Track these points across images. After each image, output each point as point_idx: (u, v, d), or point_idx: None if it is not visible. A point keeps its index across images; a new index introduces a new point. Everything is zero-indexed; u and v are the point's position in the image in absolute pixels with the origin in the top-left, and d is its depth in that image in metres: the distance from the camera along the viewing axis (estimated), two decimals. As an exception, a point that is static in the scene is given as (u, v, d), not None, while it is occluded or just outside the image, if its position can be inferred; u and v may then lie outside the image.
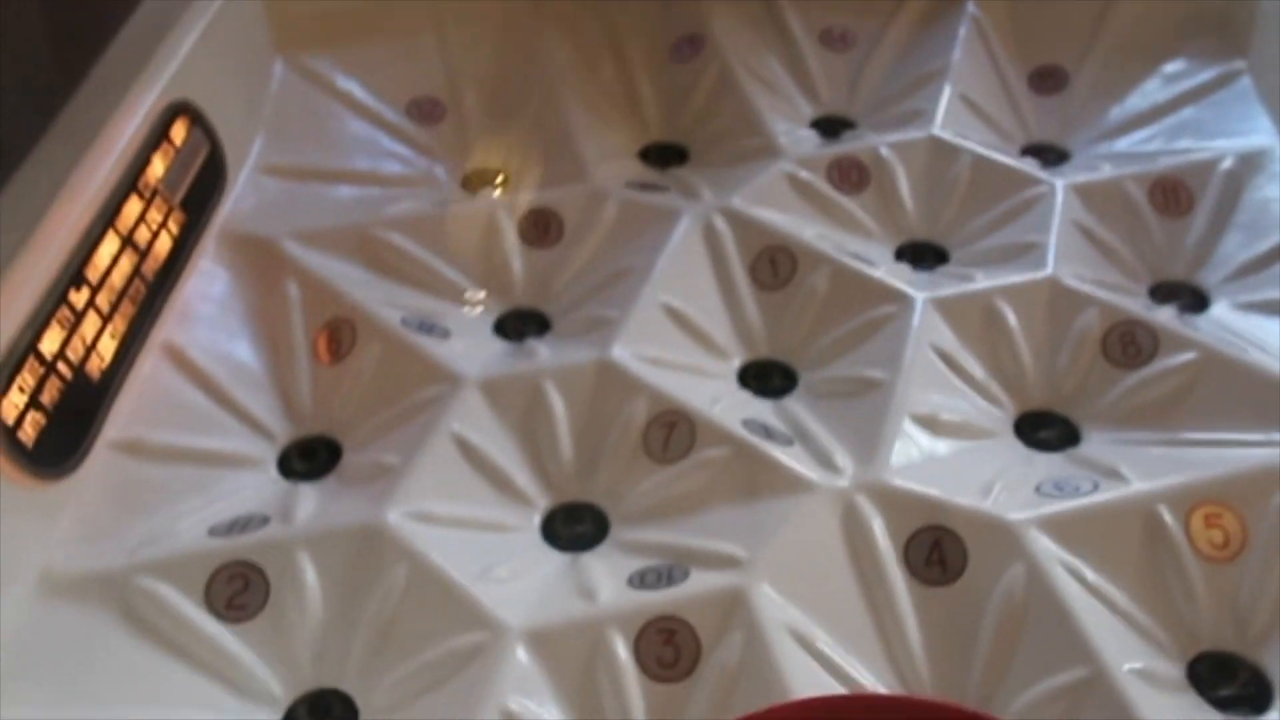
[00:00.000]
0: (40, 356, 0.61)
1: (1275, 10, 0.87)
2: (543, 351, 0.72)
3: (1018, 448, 0.68)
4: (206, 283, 0.75)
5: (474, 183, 0.87)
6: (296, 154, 0.87)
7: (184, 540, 0.62)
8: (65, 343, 0.63)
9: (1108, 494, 0.61)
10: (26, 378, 0.60)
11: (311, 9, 0.93)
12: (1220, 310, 0.75)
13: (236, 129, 0.83)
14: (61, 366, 0.62)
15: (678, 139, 0.93)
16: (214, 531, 0.62)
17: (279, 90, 0.90)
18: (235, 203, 0.81)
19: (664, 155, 0.91)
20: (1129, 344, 0.70)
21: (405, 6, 0.96)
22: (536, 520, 0.66)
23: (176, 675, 0.57)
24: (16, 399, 0.59)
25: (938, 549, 0.60)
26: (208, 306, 0.74)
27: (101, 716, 0.54)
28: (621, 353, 0.70)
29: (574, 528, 0.65)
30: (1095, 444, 0.68)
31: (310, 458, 0.70)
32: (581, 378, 0.69)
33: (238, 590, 0.60)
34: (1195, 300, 0.77)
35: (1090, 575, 0.58)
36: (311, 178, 0.86)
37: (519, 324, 0.78)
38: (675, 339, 0.74)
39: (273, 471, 0.69)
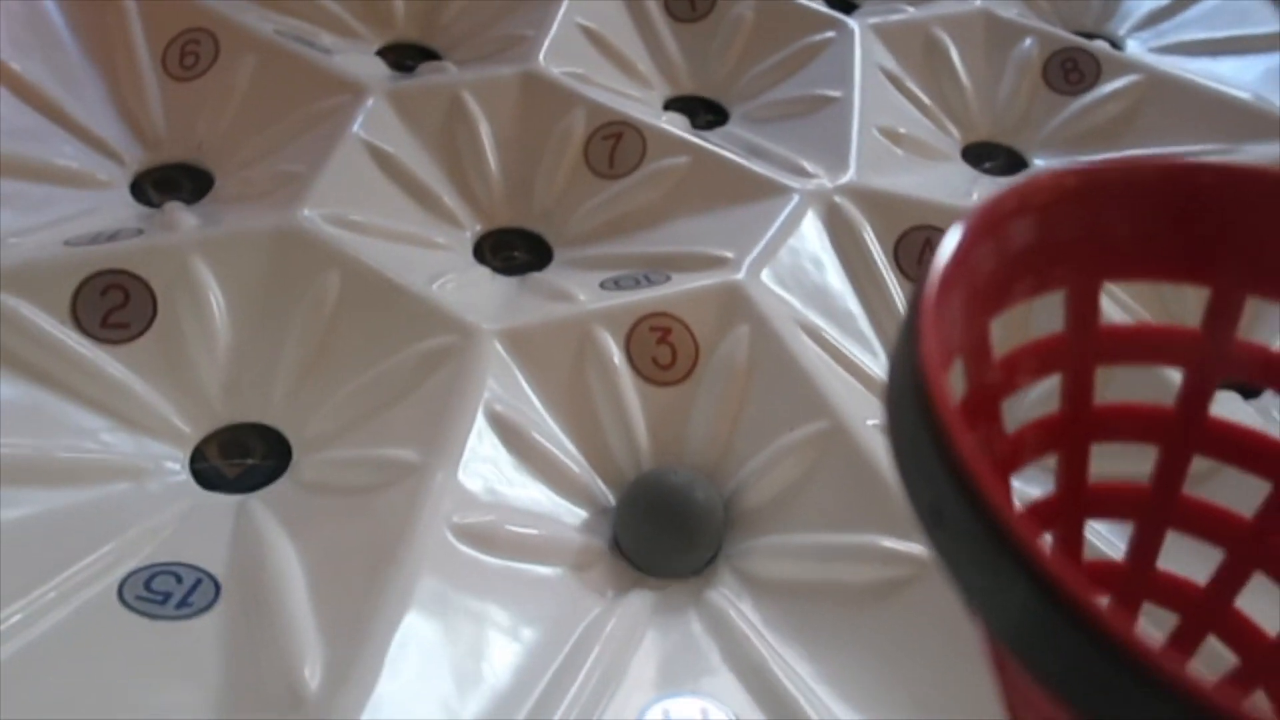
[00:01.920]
0: None
1: None
2: (452, 68, 0.62)
3: (974, 173, 0.65)
4: (12, -15, 0.60)
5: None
6: None
7: (32, 250, 0.48)
8: None
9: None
10: None
11: None
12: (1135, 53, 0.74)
13: None
14: None
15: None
16: (72, 243, 0.49)
17: None
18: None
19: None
20: (1071, 70, 0.67)
21: None
22: (469, 239, 0.56)
23: (48, 406, 0.45)
24: None
25: (929, 249, 0.55)
26: (17, 7, 0.59)
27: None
28: (547, 66, 0.61)
29: (507, 254, 0.57)
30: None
31: (170, 189, 0.57)
32: (504, 90, 0.60)
33: (115, 305, 0.47)
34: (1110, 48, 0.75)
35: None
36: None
37: (399, 56, 0.67)
38: (598, 61, 0.65)
39: (127, 197, 0.56)
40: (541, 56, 0.61)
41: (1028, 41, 0.69)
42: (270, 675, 0.36)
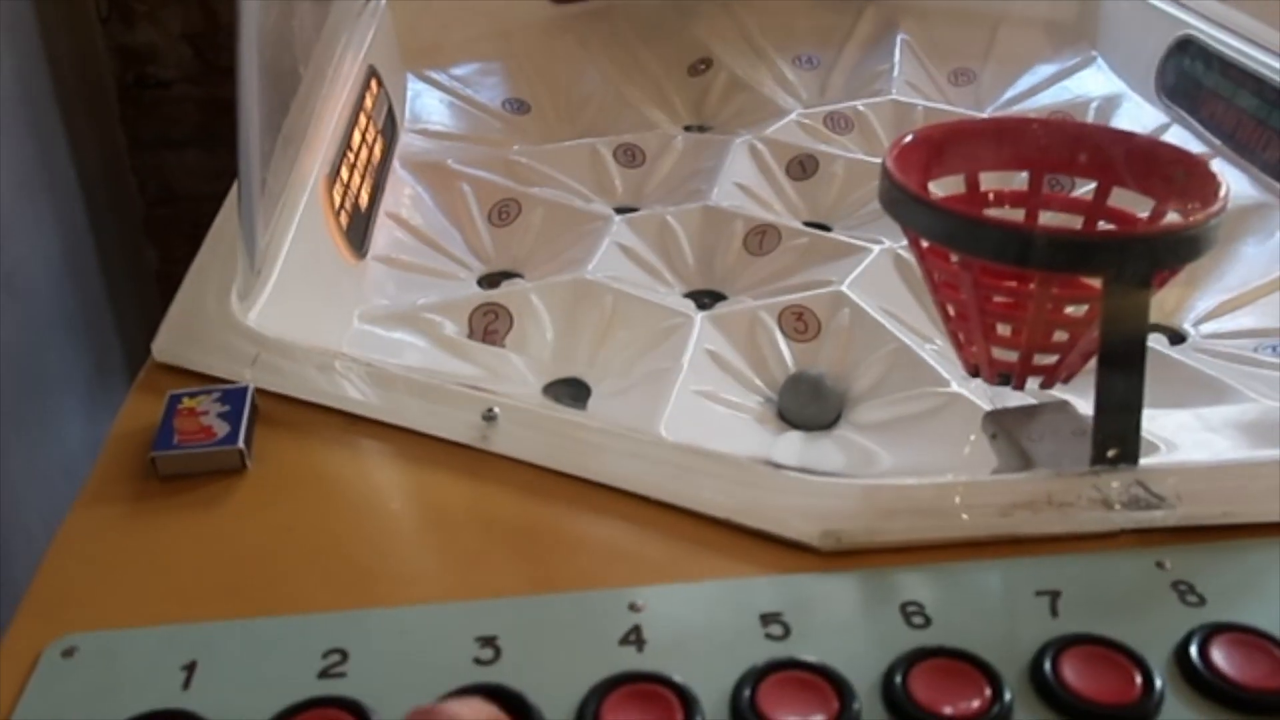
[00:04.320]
0: (341, 179, 0.88)
1: (1111, 10, 1.27)
2: (657, 204, 1.02)
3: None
4: (401, 185, 1.03)
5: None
6: (434, 125, 1.16)
7: (446, 297, 0.87)
8: (349, 177, 0.90)
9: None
10: (339, 186, 0.86)
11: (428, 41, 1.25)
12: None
13: (396, 101, 1.12)
14: (350, 191, 0.89)
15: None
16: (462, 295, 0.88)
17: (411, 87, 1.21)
18: (403, 147, 1.10)
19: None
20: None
21: (487, 43, 1.29)
22: (678, 292, 0.94)
23: (462, 366, 0.82)
24: (336, 196, 0.85)
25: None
26: (407, 193, 1.02)
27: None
28: (719, 200, 1.00)
29: (701, 300, 0.94)
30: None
31: (498, 285, 0.96)
32: (693, 215, 0.99)
33: (490, 321, 0.85)
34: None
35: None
36: (447, 138, 1.15)
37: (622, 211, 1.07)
38: (746, 203, 1.04)
39: (474, 287, 0.95)
40: (714, 196, 1.00)
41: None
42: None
